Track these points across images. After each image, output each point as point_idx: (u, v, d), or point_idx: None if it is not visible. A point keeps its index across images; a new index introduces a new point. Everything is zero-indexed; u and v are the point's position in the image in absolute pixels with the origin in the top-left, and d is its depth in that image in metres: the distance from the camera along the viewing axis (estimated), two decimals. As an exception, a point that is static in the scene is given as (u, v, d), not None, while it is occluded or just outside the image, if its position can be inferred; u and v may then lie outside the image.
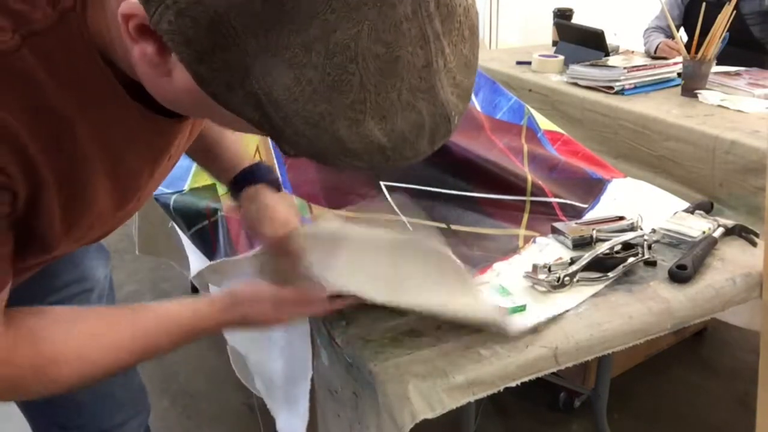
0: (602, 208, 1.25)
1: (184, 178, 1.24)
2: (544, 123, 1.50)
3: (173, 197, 1.19)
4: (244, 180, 0.89)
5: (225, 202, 1.17)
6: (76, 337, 0.62)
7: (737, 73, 2.03)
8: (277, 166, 1.27)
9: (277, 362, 1.04)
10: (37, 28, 0.48)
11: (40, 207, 0.54)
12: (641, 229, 1.11)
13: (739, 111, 1.69)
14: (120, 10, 0.44)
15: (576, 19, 2.48)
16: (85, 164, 0.55)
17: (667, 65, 1.98)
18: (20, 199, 0.51)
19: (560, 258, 1.04)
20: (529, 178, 1.28)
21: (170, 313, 0.69)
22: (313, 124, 0.44)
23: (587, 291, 0.98)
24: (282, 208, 0.87)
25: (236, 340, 1.12)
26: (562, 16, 2.46)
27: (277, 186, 0.90)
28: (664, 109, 1.72)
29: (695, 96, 1.82)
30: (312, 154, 0.48)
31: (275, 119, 0.44)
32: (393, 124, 0.46)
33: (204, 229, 1.13)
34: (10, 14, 0.47)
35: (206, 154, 0.92)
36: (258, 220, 0.87)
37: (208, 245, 1.12)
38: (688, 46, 1.88)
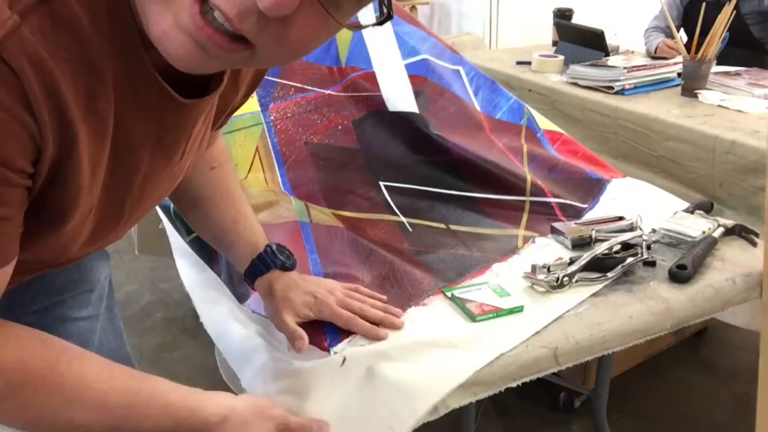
0: (602, 208, 1.25)
1: (184, 178, 1.25)
2: (544, 123, 1.50)
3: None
4: (255, 271, 0.89)
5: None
6: (71, 374, 0.58)
7: (737, 73, 2.03)
8: (277, 166, 1.27)
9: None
10: None
11: (65, 174, 0.51)
12: (641, 229, 1.11)
13: (739, 111, 1.69)
14: None
15: (576, 19, 2.48)
16: (110, 129, 0.53)
17: (667, 65, 1.98)
18: (45, 161, 0.49)
19: (559, 258, 1.04)
20: (529, 178, 1.28)
21: (169, 402, 0.66)
22: None
23: (586, 291, 0.98)
24: (295, 298, 0.87)
25: (220, 341, 1.12)
26: (562, 16, 2.46)
27: (287, 268, 0.90)
28: (664, 109, 1.72)
29: (695, 96, 1.82)
30: None
31: None
32: None
33: None
34: None
35: (219, 242, 0.93)
36: (274, 315, 0.88)
37: (207, 252, 1.12)
38: (688, 46, 1.88)
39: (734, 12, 1.78)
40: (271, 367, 0.86)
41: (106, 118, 0.52)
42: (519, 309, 0.92)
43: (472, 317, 0.90)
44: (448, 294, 0.96)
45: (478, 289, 0.97)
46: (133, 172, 0.60)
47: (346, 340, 0.86)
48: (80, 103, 0.49)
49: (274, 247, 0.90)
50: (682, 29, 2.47)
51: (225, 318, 0.98)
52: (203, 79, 0.60)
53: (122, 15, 0.49)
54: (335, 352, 0.84)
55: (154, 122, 0.58)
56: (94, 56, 0.48)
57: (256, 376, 0.87)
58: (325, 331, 0.87)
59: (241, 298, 1.00)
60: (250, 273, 0.90)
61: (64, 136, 0.48)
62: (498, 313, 0.91)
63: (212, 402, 0.68)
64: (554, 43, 2.39)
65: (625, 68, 1.86)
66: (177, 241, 1.19)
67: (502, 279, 1.01)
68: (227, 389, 1.22)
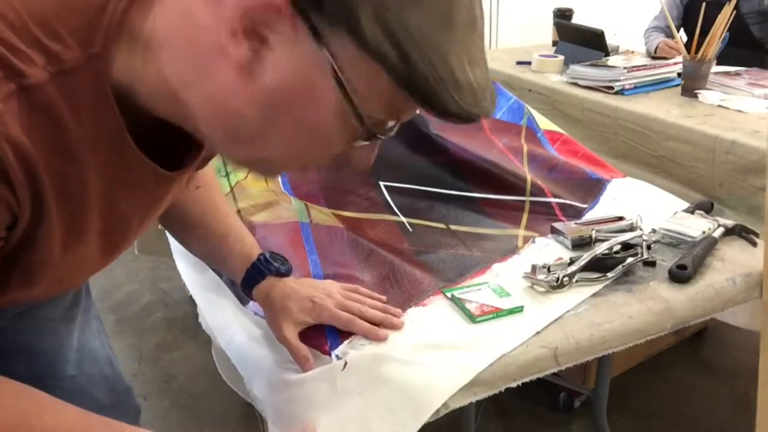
0: (602, 208, 1.25)
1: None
2: (544, 123, 1.50)
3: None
4: (250, 281, 0.90)
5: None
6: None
7: (737, 73, 2.03)
8: (276, 166, 1.27)
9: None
10: (67, 68, 0.49)
11: (36, 239, 0.54)
12: (641, 229, 1.11)
13: (739, 111, 1.69)
14: (246, 4, 0.46)
15: (576, 19, 2.48)
16: (86, 206, 0.55)
17: (667, 65, 1.98)
18: (19, 227, 0.52)
19: (559, 258, 1.04)
20: (529, 178, 1.28)
21: None
22: (437, 56, 0.47)
23: (586, 291, 0.98)
24: (293, 305, 0.88)
25: (226, 343, 1.12)
26: (562, 16, 2.46)
27: (282, 273, 0.90)
28: (664, 109, 1.72)
29: (695, 96, 1.82)
30: (428, 90, 0.48)
31: (413, 55, 0.46)
32: (474, 69, 0.50)
33: None
34: (44, 51, 0.48)
35: (214, 258, 0.94)
36: (273, 324, 0.88)
37: None
38: (688, 46, 1.88)
39: (734, 12, 1.78)
40: (278, 377, 0.86)
41: (80, 198, 0.54)
42: (519, 309, 0.92)
43: (472, 318, 0.90)
44: (448, 294, 0.96)
45: (478, 290, 0.97)
46: (123, 231, 0.63)
47: (346, 342, 0.86)
48: (54, 182, 0.51)
49: (267, 255, 0.90)
50: (682, 29, 2.47)
51: (230, 323, 0.98)
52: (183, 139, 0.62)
53: (104, 111, 0.52)
54: (337, 355, 0.84)
55: (143, 196, 0.61)
56: (72, 141, 0.51)
57: (265, 386, 0.88)
58: (326, 334, 0.87)
59: (243, 300, 1.00)
60: (247, 283, 0.90)
61: (37, 209, 0.51)
62: (498, 313, 0.91)
63: None
64: (554, 43, 2.39)
65: (625, 68, 1.87)
66: (177, 243, 1.19)
67: (502, 279, 1.01)
68: (227, 389, 1.22)
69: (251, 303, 0.97)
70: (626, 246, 1.05)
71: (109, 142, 0.54)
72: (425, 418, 0.78)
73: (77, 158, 0.52)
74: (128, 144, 0.54)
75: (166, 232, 1.15)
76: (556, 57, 2.14)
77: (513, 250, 1.11)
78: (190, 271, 1.14)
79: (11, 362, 0.88)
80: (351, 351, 0.85)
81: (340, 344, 0.86)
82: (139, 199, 0.61)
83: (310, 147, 0.54)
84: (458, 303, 0.94)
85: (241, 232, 0.93)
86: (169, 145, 0.61)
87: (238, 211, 1.14)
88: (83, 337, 0.93)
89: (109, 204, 0.58)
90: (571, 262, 1.01)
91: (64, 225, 0.54)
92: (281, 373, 0.86)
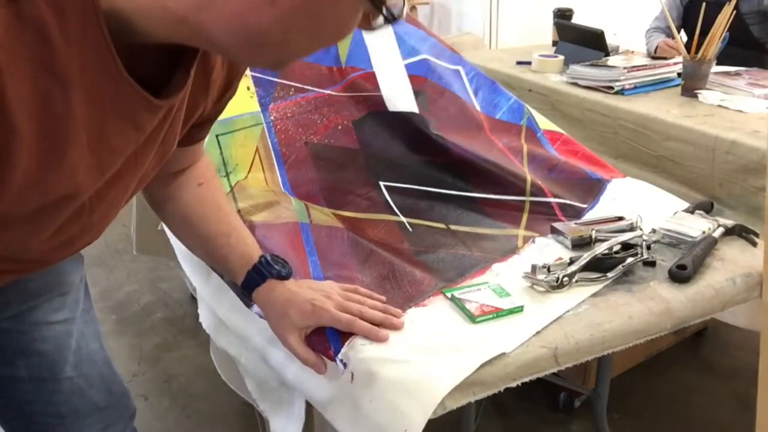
0: (602, 208, 1.25)
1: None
2: (544, 123, 1.50)
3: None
4: (251, 283, 0.90)
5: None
6: None
7: (737, 73, 2.03)
8: (276, 166, 1.27)
9: (271, 363, 1.03)
10: None
11: (5, 160, 0.52)
12: (641, 229, 1.11)
13: (739, 111, 1.69)
14: None
15: (576, 19, 2.48)
16: (68, 132, 0.54)
17: (667, 65, 1.98)
18: None
19: (559, 258, 1.04)
20: (529, 178, 1.28)
21: None
22: None
23: (586, 291, 0.98)
24: (294, 309, 0.88)
25: (225, 342, 1.12)
26: (562, 16, 2.46)
27: (282, 276, 0.90)
28: (664, 109, 1.72)
29: (695, 96, 1.82)
30: None
31: None
32: None
33: None
34: None
35: (214, 257, 0.94)
36: (276, 328, 0.89)
37: None
38: (688, 46, 1.88)
39: (734, 12, 1.78)
40: (288, 395, 0.90)
41: (63, 120, 0.53)
42: (519, 309, 0.92)
43: (472, 318, 0.90)
44: (448, 294, 0.96)
45: (478, 290, 0.97)
46: (105, 169, 0.61)
47: (347, 343, 0.86)
48: (35, 100, 0.50)
49: (268, 257, 0.90)
50: (682, 29, 2.47)
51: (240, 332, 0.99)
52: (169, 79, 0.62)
53: (93, 31, 0.51)
54: (341, 359, 0.85)
55: (134, 128, 0.60)
56: (59, 61, 0.50)
57: (278, 401, 0.92)
58: (327, 337, 0.87)
59: (247, 303, 1.00)
60: (247, 285, 0.90)
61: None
62: (498, 313, 0.91)
63: None
64: (554, 43, 2.39)
65: (625, 68, 1.86)
66: (178, 243, 1.19)
67: (502, 279, 1.01)
68: (227, 389, 1.22)
69: (254, 306, 0.98)
70: (626, 246, 1.05)
71: (98, 67, 0.53)
72: (431, 410, 0.78)
73: (63, 80, 0.51)
74: (118, 69, 0.54)
75: (167, 232, 1.15)
76: (556, 57, 2.14)
77: (513, 250, 1.11)
78: (194, 274, 1.14)
79: (12, 364, 0.88)
80: (352, 353, 0.85)
81: (341, 347, 0.86)
82: (130, 131, 0.60)
83: (328, 36, 0.56)
84: (458, 303, 0.94)
85: (242, 232, 0.93)
86: (158, 77, 0.60)
87: (239, 211, 1.13)
88: (82, 339, 0.93)
89: (99, 136, 0.57)
90: (571, 262, 1.01)
91: (38, 150, 0.53)
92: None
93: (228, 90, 0.77)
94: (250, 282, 0.90)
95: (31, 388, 0.90)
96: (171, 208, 0.89)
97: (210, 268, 1.07)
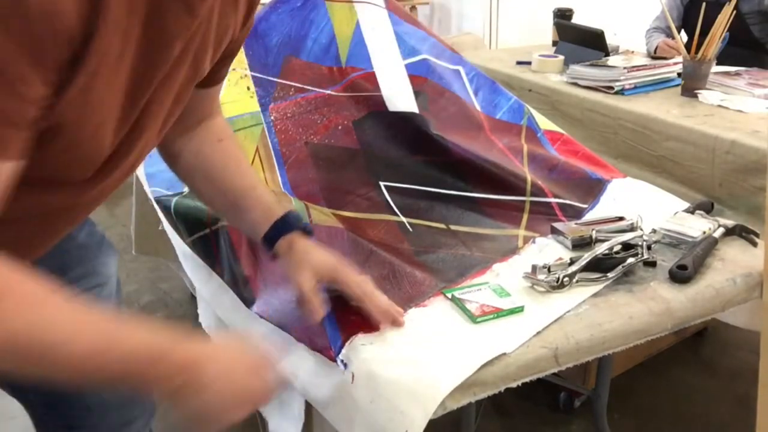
0: (602, 209, 1.25)
1: (184, 178, 1.24)
2: (544, 123, 1.50)
3: (174, 200, 1.18)
4: (276, 233, 0.90)
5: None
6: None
7: (737, 73, 2.03)
8: (277, 166, 1.27)
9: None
10: None
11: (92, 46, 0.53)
12: (641, 229, 1.11)
13: (739, 111, 1.69)
14: None
15: (576, 19, 2.48)
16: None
17: (667, 65, 1.98)
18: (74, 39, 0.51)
19: (560, 258, 1.04)
20: (529, 178, 1.28)
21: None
22: None
23: (586, 291, 0.98)
24: (316, 256, 0.88)
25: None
26: (562, 16, 2.46)
27: (308, 232, 0.91)
28: (664, 109, 1.72)
29: (695, 96, 1.82)
30: None
31: None
32: None
33: (206, 237, 1.13)
34: None
35: (235, 209, 0.93)
36: (293, 270, 0.88)
37: (209, 253, 1.12)
38: (688, 46, 1.88)
39: (734, 12, 1.78)
40: (288, 395, 0.90)
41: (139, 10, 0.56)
42: (519, 309, 0.92)
43: (473, 318, 0.90)
44: (449, 295, 0.96)
45: (478, 290, 0.97)
46: (157, 69, 0.62)
47: (348, 343, 0.86)
48: None
49: (296, 213, 0.92)
50: (682, 30, 2.47)
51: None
52: None
53: None
54: (342, 360, 0.85)
55: (184, 8, 0.61)
56: None
57: (277, 402, 0.93)
58: (328, 337, 0.87)
59: (246, 302, 1.00)
60: (271, 235, 0.89)
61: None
62: (498, 313, 0.91)
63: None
64: (554, 43, 2.39)
65: (625, 68, 1.86)
66: (179, 244, 1.19)
67: (502, 279, 1.01)
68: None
69: (254, 306, 0.98)
70: (626, 246, 1.05)
71: None
72: (432, 410, 0.78)
73: None
74: None
75: (168, 233, 1.15)
76: (556, 57, 2.14)
77: (513, 250, 1.11)
78: (195, 274, 1.14)
79: None
80: (352, 354, 0.85)
81: (342, 347, 0.86)
82: (181, 12, 0.60)
83: None
84: (459, 303, 0.94)
85: (265, 188, 0.94)
86: None
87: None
88: None
89: (151, 19, 0.58)
90: (572, 262, 1.01)
91: (121, 40, 0.55)
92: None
93: (252, 11, 0.78)
94: (276, 232, 0.89)
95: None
96: (189, 161, 0.89)
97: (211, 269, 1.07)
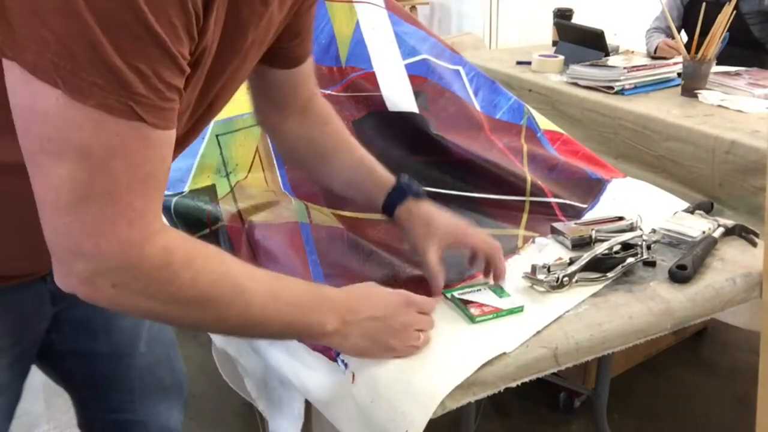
0: (602, 208, 1.25)
1: (185, 179, 1.24)
2: (544, 123, 1.50)
3: (174, 200, 1.18)
4: (392, 202, 0.96)
5: (224, 206, 1.16)
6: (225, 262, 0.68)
7: (737, 73, 2.03)
8: (277, 166, 1.27)
9: (271, 363, 1.04)
10: None
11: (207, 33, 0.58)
12: (641, 229, 1.11)
13: (739, 111, 1.69)
14: None
15: (576, 19, 2.48)
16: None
17: (667, 65, 1.98)
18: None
19: (559, 258, 1.04)
20: (529, 178, 1.28)
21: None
22: None
23: (586, 291, 0.98)
24: (437, 222, 0.94)
25: (225, 342, 1.12)
26: (562, 16, 2.46)
27: (420, 196, 0.97)
28: (664, 109, 1.72)
29: (695, 96, 1.82)
30: None
31: None
32: None
33: (206, 237, 1.13)
34: None
35: (351, 186, 1.01)
36: (418, 241, 0.94)
37: None
38: (688, 46, 1.88)
39: (734, 12, 1.78)
40: (288, 395, 0.91)
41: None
42: (519, 309, 0.92)
43: (472, 318, 0.90)
44: (448, 295, 0.96)
45: (478, 290, 0.96)
46: (233, 57, 0.66)
47: None
48: None
49: (406, 178, 0.97)
50: (682, 30, 2.47)
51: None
52: None
53: None
54: (342, 360, 0.85)
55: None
56: None
57: (277, 401, 0.93)
58: None
59: None
60: (390, 203, 0.96)
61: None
62: (498, 314, 0.91)
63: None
64: (554, 43, 2.39)
65: (625, 68, 1.87)
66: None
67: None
68: (227, 389, 1.22)
69: None
70: (626, 246, 1.05)
71: None
72: (432, 410, 0.78)
73: None
74: None
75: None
76: (556, 57, 2.14)
77: (513, 250, 1.11)
78: None
79: (95, 338, 0.91)
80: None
81: None
82: (256, 4, 0.64)
83: None
84: (458, 304, 0.94)
85: (373, 160, 1.00)
86: None
87: (238, 212, 1.14)
88: (153, 342, 0.97)
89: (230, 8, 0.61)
90: (571, 262, 1.01)
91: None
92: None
93: None
94: (393, 200, 0.96)
95: (109, 363, 0.94)
96: (304, 149, 0.98)
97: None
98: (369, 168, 0.98)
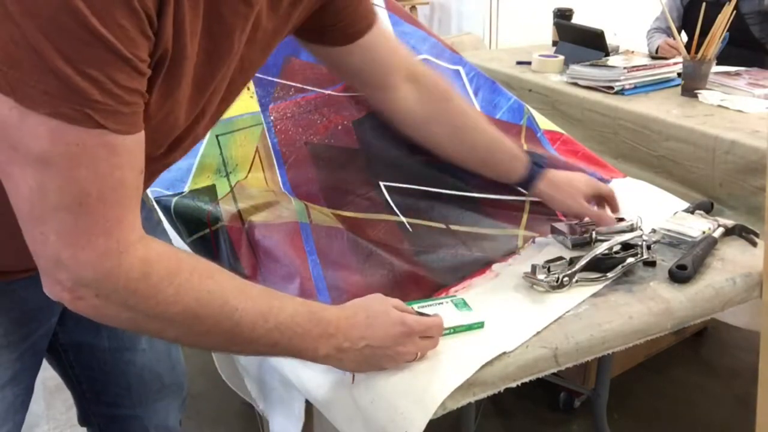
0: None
1: (185, 179, 1.24)
2: (544, 123, 1.50)
3: (174, 200, 1.18)
4: (529, 177, 1.10)
5: (224, 206, 1.16)
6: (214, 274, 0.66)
7: (737, 73, 2.03)
8: (276, 166, 1.27)
9: (271, 363, 1.04)
10: None
11: (178, 36, 0.58)
12: (641, 229, 1.11)
13: (739, 111, 1.69)
14: None
15: (576, 19, 2.48)
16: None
17: (667, 65, 1.98)
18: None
19: (560, 258, 1.04)
20: (529, 178, 1.28)
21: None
22: None
23: (586, 291, 0.98)
24: (576, 182, 1.10)
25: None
26: (562, 16, 2.46)
27: (544, 165, 1.10)
28: (664, 109, 1.72)
29: (695, 96, 1.82)
30: None
31: None
32: None
33: (205, 237, 1.13)
34: None
35: (485, 164, 1.11)
36: (568, 203, 1.10)
37: (209, 253, 1.11)
38: (688, 46, 1.88)
39: (734, 12, 1.78)
40: (288, 395, 0.90)
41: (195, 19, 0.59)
42: (479, 325, 0.89)
43: None
44: (415, 307, 0.91)
45: (439, 304, 0.94)
46: (220, 59, 0.65)
47: None
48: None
49: (533, 152, 1.09)
50: (683, 30, 2.47)
51: None
52: None
53: None
54: None
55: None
56: None
57: (278, 401, 0.92)
58: None
59: None
60: (530, 177, 1.10)
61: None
62: (456, 329, 0.88)
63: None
64: (554, 43, 2.39)
65: (625, 68, 1.86)
66: (179, 244, 1.18)
67: (502, 279, 1.01)
68: (227, 389, 1.22)
69: None
70: (626, 246, 1.05)
71: None
72: (432, 411, 0.78)
73: None
74: None
75: (167, 232, 1.15)
76: (556, 57, 2.14)
77: (513, 250, 1.11)
78: None
79: (97, 332, 0.92)
80: None
81: None
82: (237, 4, 0.62)
83: None
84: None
85: (501, 134, 1.09)
86: None
87: (238, 212, 1.14)
88: (155, 341, 0.96)
89: (211, 11, 0.60)
90: (571, 262, 1.01)
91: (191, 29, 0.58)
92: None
93: None
94: (533, 173, 1.09)
95: (110, 358, 0.94)
96: (434, 129, 1.05)
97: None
98: (502, 147, 1.07)
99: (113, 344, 0.93)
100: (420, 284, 1.00)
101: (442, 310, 0.92)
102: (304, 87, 1.36)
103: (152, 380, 0.98)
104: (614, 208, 1.14)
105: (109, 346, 0.93)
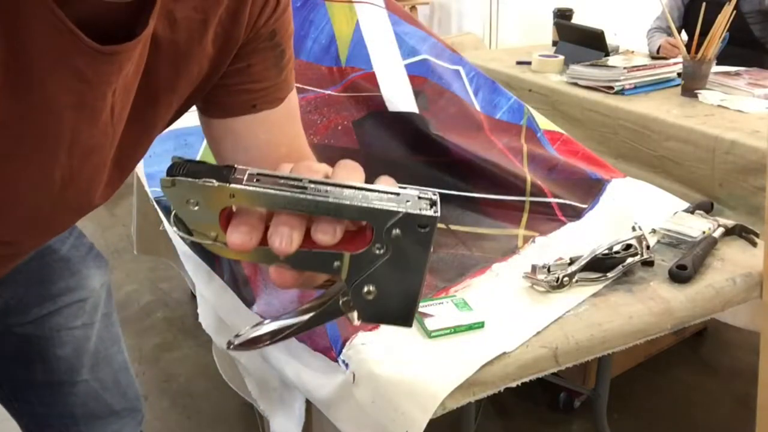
0: (602, 208, 1.25)
1: (184, 178, 1.25)
2: (544, 123, 1.50)
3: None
4: None
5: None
6: None
7: (737, 73, 2.03)
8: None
9: (272, 363, 1.04)
10: None
11: None
12: (640, 229, 1.11)
13: (739, 111, 1.69)
14: None
15: (576, 19, 2.48)
16: (25, 85, 0.46)
17: (667, 65, 1.98)
18: None
19: (560, 258, 1.04)
20: (529, 178, 1.28)
21: None
22: None
23: (586, 291, 0.98)
24: None
25: (226, 342, 1.12)
26: (562, 16, 2.46)
27: None
28: (664, 109, 1.72)
29: (695, 96, 1.82)
30: None
31: None
32: None
33: None
34: None
35: None
36: None
37: (209, 254, 1.12)
38: (688, 46, 1.88)
39: (734, 12, 1.78)
40: (289, 395, 0.90)
41: (21, 72, 0.46)
42: (480, 324, 0.90)
43: (428, 333, 0.88)
44: None
45: (440, 303, 0.95)
46: (54, 136, 0.52)
47: (348, 343, 0.86)
48: None
49: None
50: (683, 30, 2.47)
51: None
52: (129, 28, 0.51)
53: None
54: (343, 360, 0.85)
55: (71, 77, 0.50)
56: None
57: (278, 401, 0.93)
58: (330, 339, 0.87)
59: (246, 302, 1.00)
60: None
61: None
62: (456, 328, 0.89)
63: None
64: (554, 43, 2.39)
65: (625, 68, 1.86)
66: (179, 244, 1.19)
67: (502, 279, 1.01)
68: (227, 389, 1.22)
69: (254, 306, 0.98)
70: (626, 246, 1.05)
71: (33, 9, 0.44)
72: (432, 411, 0.78)
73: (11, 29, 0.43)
74: (50, 8, 0.44)
75: (168, 233, 1.15)
76: (556, 57, 2.14)
77: (513, 250, 1.11)
78: (198, 275, 1.14)
79: (30, 368, 0.88)
80: (353, 354, 0.85)
81: (343, 347, 0.86)
82: (64, 77, 0.49)
83: None
84: (417, 317, 0.91)
85: None
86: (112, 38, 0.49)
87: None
88: (101, 343, 0.94)
89: (33, 85, 0.47)
90: (571, 262, 1.01)
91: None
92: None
93: (238, 16, 0.57)
94: None
95: (47, 392, 0.91)
96: None
97: (211, 269, 1.07)
98: None
99: (49, 378, 0.89)
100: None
101: (442, 310, 0.93)
102: (304, 87, 1.36)
103: (100, 409, 0.95)
104: None
105: (45, 379, 0.90)
